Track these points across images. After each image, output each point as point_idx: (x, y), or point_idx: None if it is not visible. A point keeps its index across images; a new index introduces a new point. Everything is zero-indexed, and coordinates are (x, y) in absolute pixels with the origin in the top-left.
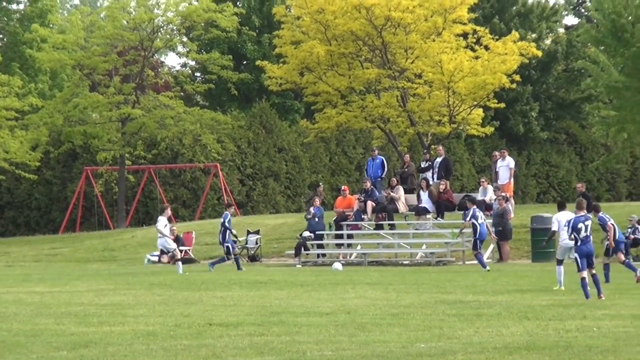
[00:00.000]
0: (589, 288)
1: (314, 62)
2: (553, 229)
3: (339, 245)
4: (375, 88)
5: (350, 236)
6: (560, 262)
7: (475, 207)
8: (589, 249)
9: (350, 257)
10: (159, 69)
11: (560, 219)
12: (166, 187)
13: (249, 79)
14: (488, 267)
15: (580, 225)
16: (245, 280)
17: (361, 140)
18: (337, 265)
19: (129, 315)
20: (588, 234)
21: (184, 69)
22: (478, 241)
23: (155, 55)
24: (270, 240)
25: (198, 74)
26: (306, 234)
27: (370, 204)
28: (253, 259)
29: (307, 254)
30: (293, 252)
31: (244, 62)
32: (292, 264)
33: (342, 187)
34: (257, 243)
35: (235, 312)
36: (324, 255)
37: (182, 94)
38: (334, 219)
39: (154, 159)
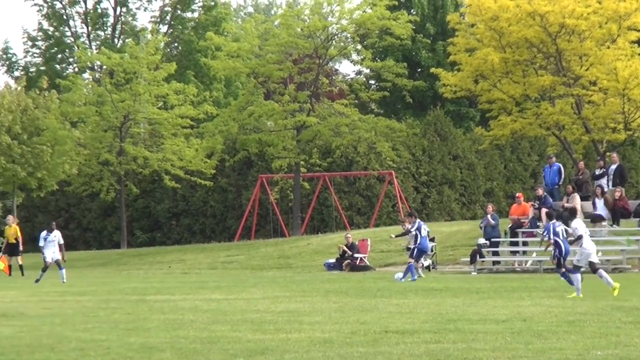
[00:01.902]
0: None
1: (489, 70)
2: (579, 233)
3: (514, 253)
4: (549, 95)
5: (525, 243)
6: (578, 269)
7: (554, 221)
8: None
9: (525, 264)
10: (334, 77)
11: (579, 226)
12: (341, 194)
13: (424, 87)
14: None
15: None
16: (420, 288)
17: (536, 147)
18: (400, 275)
19: (305, 323)
20: None
21: (358, 76)
22: (562, 259)
23: (330, 63)
24: (446, 248)
25: (372, 82)
26: (481, 241)
27: (544, 211)
28: (428, 266)
29: (483, 261)
30: (468, 259)
31: (419, 70)
32: (467, 271)
33: (517, 194)
34: (432, 250)
35: (411, 320)
36: (499, 262)
37: (356, 101)
38: (509, 226)
39: (329, 167)
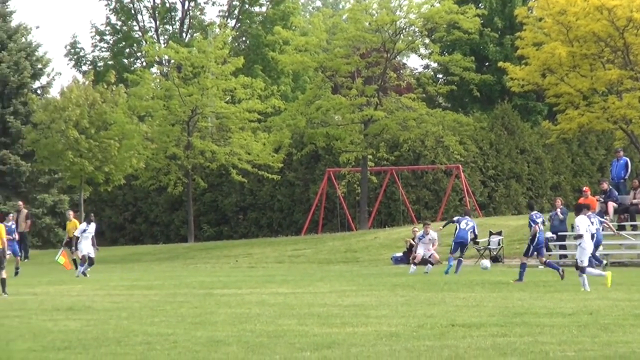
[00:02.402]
0: None
1: (556, 64)
2: (580, 232)
3: None
4: (617, 89)
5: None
6: (585, 268)
7: (535, 212)
8: None
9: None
10: (401, 71)
11: (581, 223)
12: (408, 188)
13: (491, 81)
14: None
15: None
16: (487, 281)
17: (603, 141)
18: (486, 263)
19: (372, 316)
20: None
21: (426, 70)
22: (531, 247)
23: (398, 57)
24: (513, 241)
25: (440, 76)
26: (548, 235)
27: (611, 205)
28: (495, 259)
29: (550, 255)
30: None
31: (486, 64)
32: (534, 264)
33: (584, 188)
34: (499, 244)
35: (478, 313)
36: (565, 256)
37: (424, 95)
38: None
39: (396, 161)
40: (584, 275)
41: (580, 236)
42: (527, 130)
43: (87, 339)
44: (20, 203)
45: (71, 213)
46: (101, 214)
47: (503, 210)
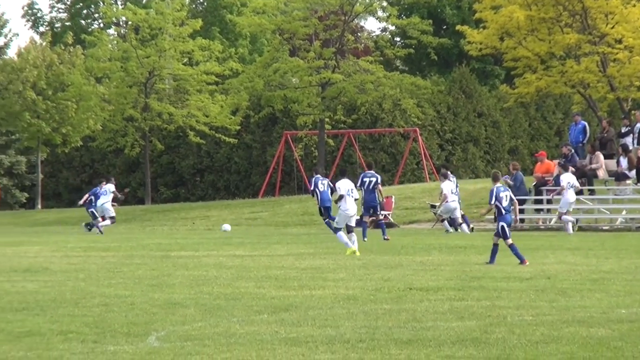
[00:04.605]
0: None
1: (514, 27)
2: (341, 193)
3: (538, 211)
4: (575, 53)
5: (549, 201)
6: (339, 230)
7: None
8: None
9: (550, 222)
10: (359, 34)
11: (342, 185)
12: (365, 151)
13: (449, 44)
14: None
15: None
16: (445, 245)
17: (561, 105)
18: (226, 227)
19: (329, 279)
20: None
21: (383, 33)
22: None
23: (356, 19)
24: (470, 205)
25: (398, 39)
26: None
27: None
28: (452, 223)
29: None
30: (493, 217)
31: (444, 27)
32: (491, 229)
33: (537, 154)
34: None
35: (435, 277)
36: (523, 220)
37: (381, 58)
38: (533, 184)
39: (354, 124)
40: (341, 234)
41: (341, 197)
42: (484, 93)
43: (45, 301)
44: None
45: None
46: (58, 175)
47: (460, 174)
